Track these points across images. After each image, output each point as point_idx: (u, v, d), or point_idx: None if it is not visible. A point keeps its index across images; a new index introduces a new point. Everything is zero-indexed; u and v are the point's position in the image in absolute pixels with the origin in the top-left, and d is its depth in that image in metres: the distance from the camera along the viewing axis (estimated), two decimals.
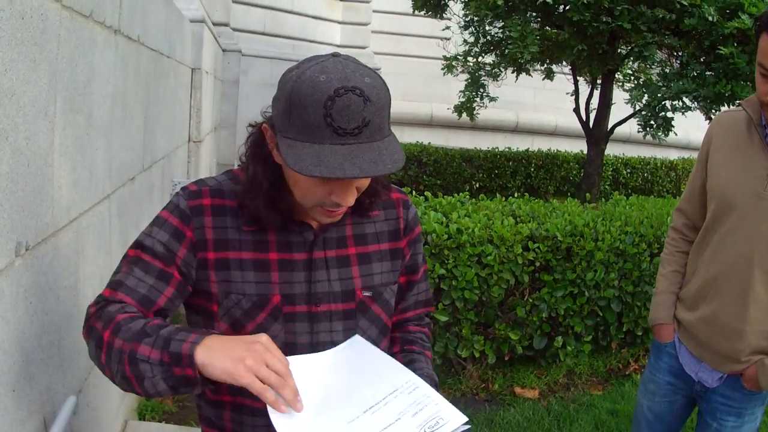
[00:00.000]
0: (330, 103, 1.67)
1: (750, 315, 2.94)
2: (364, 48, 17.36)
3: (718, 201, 3.03)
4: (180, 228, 1.96)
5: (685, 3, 9.46)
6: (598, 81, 12.01)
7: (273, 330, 1.99)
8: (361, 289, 2.11)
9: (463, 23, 11.88)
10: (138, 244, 1.98)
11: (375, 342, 2.12)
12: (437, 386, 2.19)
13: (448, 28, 12.63)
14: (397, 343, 2.33)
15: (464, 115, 12.45)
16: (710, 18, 9.16)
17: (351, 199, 1.85)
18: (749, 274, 2.92)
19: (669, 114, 10.48)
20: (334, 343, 2.05)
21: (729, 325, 3.00)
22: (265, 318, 1.99)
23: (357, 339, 2.04)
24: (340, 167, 1.67)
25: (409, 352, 2.29)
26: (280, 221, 1.98)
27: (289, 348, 2.00)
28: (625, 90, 11.91)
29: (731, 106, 9.10)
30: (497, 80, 12.28)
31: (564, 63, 12.08)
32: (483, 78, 12.19)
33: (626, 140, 18.89)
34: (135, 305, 1.91)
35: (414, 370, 2.13)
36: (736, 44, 9.16)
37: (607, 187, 16.35)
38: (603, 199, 8.68)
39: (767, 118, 2.88)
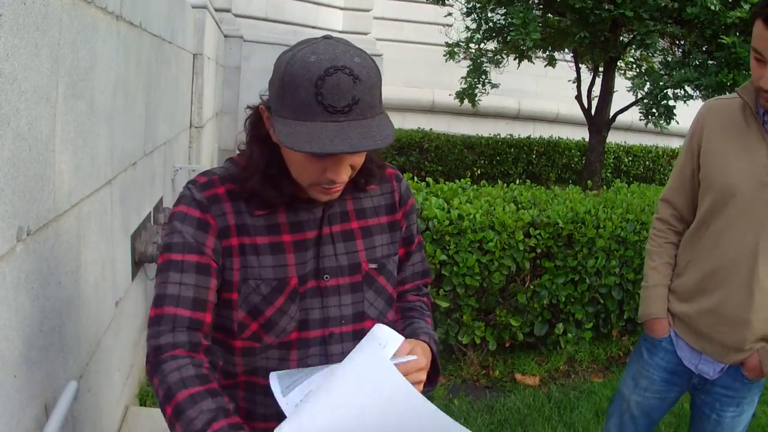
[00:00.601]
0: (320, 82, 1.72)
1: (755, 303, 2.91)
2: (366, 34, 17.31)
3: (717, 191, 2.97)
4: (202, 218, 1.98)
5: None
6: (600, 69, 12.00)
7: (291, 311, 2.03)
8: (367, 262, 2.15)
9: (465, 10, 11.87)
10: (165, 247, 2.00)
11: (382, 313, 2.19)
12: (437, 344, 2.24)
13: (450, 14, 12.62)
14: (396, 311, 2.36)
15: (466, 101, 12.44)
16: (712, 7, 9.15)
17: (345, 176, 1.89)
18: (753, 263, 2.88)
19: (671, 102, 10.49)
20: (342, 317, 2.10)
21: (734, 316, 2.96)
22: (284, 302, 2.03)
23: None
24: (330, 143, 1.71)
25: (409, 317, 2.34)
26: (278, 197, 2.00)
27: (303, 325, 2.06)
28: (627, 78, 11.91)
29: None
30: (499, 67, 12.29)
31: (566, 50, 12.08)
32: (485, 65, 12.19)
33: (628, 128, 18.90)
34: (189, 314, 1.94)
35: (414, 330, 2.23)
36: (738, 33, 9.15)
37: (608, 174, 16.35)
38: (604, 187, 8.68)
39: (763, 104, 2.84)
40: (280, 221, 2.04)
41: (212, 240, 1.97)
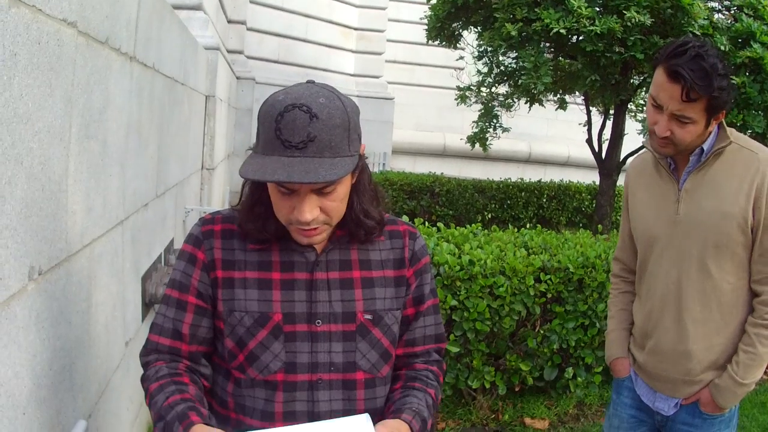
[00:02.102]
0: (279, 117, 1.83)
1: (691, 334, 3.01)
2: (377, 77, 17.41)
3: (643, 241, 3.20)
4: (193, 252, 2.13)
5: (698, 33, 9.43)
6: (611, 111, 11.99)
7: (274, 348, 2.08)
8: (362, 312, 2.16)
9: (476, 53, 11.88)
10: (168, 281, 2.20)
11: (375, 367, 2.19)
12: (425, 422, 2.21)
13: (461, 58, 12.65)
14: (400, 380, 2.35)
15: (477, 145, 12.43)
16: (722, 47, 9.13)
17: (307, 216, 1.93)
18: (679, 296, 3.02)
19: None
20: (332, 364, 2.12)
21: (673, 350, 3.07)
22: (266, 336, 2.07)
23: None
24: (269, 172, 1.81)
25: (409, 388, 2.30)
26: (259, 232, 2.09)
27: (290, 368, 2.09)
28: (637, 120, 11.89)
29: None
30: (510, 111, 12.27)
31: (577, 93, 12.07)
32: (496, 108, 12.18)
33: None
34: (169, 343, 2.16)
35: (403, 404, 2.20)
36: (747, 73, 9.14)
37: (618, 218, 16.26)
38: (615, 230, 8.65)
39: (654, 147, 3.02)
40: (273, 259, 2.12)
41: (198, 272, 2.12)
